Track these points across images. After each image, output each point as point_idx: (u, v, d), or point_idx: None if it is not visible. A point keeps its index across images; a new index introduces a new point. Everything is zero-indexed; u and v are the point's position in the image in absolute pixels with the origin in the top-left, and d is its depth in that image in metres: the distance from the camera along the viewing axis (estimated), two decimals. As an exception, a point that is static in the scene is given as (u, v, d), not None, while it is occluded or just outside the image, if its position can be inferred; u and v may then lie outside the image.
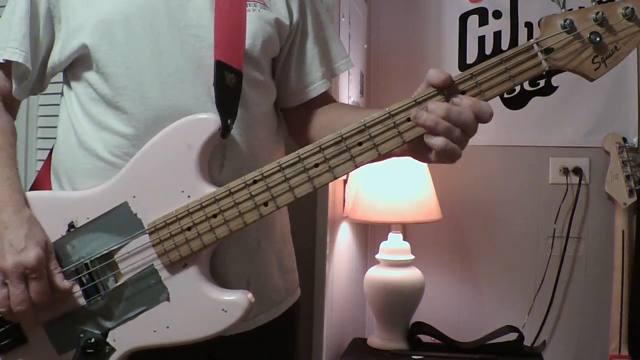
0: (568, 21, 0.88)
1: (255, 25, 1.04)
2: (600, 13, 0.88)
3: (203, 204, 0.94)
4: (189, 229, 0.94)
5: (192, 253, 0.94)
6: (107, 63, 1.00)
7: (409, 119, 0.89)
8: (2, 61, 1.05)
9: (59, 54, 1.04)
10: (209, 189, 0.95)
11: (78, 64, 1.04)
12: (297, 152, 0.92)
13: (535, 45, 0.89)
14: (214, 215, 0.93)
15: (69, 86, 1.08)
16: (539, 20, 0.91)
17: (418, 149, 0.92)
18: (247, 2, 1.05)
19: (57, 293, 0.95)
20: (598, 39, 0.88)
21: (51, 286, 0.94)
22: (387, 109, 0.89)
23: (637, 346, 2.13)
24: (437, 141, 0.87)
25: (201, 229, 0.94)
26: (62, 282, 0.95)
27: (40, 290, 0.92)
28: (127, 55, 0.99)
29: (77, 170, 1.04)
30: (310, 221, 1.84)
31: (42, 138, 2.19)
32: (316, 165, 0.91)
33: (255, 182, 0.93)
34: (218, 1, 1.02)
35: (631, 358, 2.12)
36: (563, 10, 0.90)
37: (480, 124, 0.89)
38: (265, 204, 0.92)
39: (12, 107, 1.11)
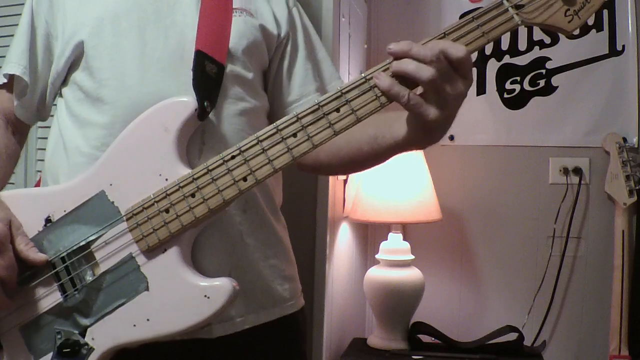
0: None
1: (240, 27, 1.07)
2: None
3: (180, 185, 0.92)
4: (167, 210, 0.91)
5: (171, 236, 0.91)
6: (93, 57, 1.03)
7: None
8: (5, 80, 1.10)
9: (56, 65, 1.08)
10: (186, 171, 0.93)
11: (69, 69, 1.08)
12: (274, 123, 0.91)
13: (504, 1, 0.88)
14: (192, 195, 0.91)
15: (60, 94, 1.11)
16: None
17: (410, 123, 0.91)
18: (234, 10, 1.08)
19: (28, 272, 0.94)
20: None
21: (26, 261, 0.93)
22: (362, 74, 0.89)
23: (637, 346, 2.13)
24: (422, 72, 0.83)
25: (179, 210, 0.91)
26: (37, 255, 0.93)
27: (4, 265, 0.90)
28: (112, 47, 1.02)
29: (61, 171, 1.05)
30: (310, 221, 1.84)
31: (43, 138, 2.19)
32: (294, 135, 0.90)
33: (233, 157, 0.91)
34: (204, 5, 1.05)
35: (631, 358, 2.12)
36: None
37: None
38: (244, 179, 0.90)
39: (21, 132, 1.15)
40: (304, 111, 0.90)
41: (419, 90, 0.87)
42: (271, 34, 1.12)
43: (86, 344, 0.92)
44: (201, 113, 0.97)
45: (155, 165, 0.93)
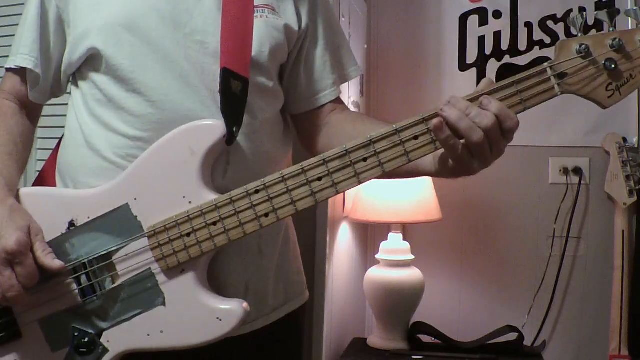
0: (584, 46, 0.86)
1: (262, 32, 1.04)
2: (617, 39, 0.86)
3: (203, 211, 0.93)
4: (188, 235, 0.93)
5: (190, 259, 0.94)
6: (113, 66, 1.00)
7: (415, 137, 0.88)
8: (14, 67, 1.08)
9: (69, 57, 1.06)
10: (210, 196, 0.94)
11: (85, 65, 1.05)
12: (300, 164, 0.91)
13: (548, 69, 0.86)
14: (214, 223, 0.93)
15: (76, 85, 1.09)
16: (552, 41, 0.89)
17: (439, 161, 0.92)
18: (255, 9, 1.04)
19: (50, 273, 0.94)
20: (613, 65, 0.85)
21: (42, 267, 0.93)
22: (394, 125, 0.88)
23: (637, 346, 2.13)
24: (473, 135, 0.84)
25: (200, 237, 0.93)
26: (53, 262, 0.93)
27: (26, 274, 0.91)
28: (131, 59, 0.99)
29: (81, 169, 1.04)
30: (310, 221, 1.84)
31: (42, 138, 2.19)
32: (319, 179, 0.90)
33: (257, 191, 0.91)
34: (225, 8, 1.01)
35: (631, 358, 2.13)
36: (580, 35, 0.87)
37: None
38: (266, 215, 0.91)
39: (33, 111, 1.14)
40: (331, 155, 0.90)
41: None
42: (293, 31, 1.08)
43: (101, 345, 0.96)
44: (229, 138, 0.97)
45: (179, 187, 0.95)
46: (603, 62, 0.86)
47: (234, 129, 0.98)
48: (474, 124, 0.84)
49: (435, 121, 0.85)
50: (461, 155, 0.87)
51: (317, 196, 0.91)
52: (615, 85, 0.86)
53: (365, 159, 0.89)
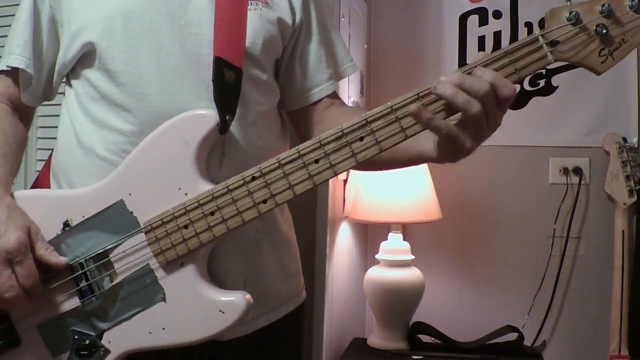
0: (574, 13, 0.86)
1: (256, 25, 1.04)
2: (606, 5, 0.86)
3: (200, 202, 0.92)
4: (185, 227, 0.92)
5: (189, 252, 0.92)
6: (107, 60, 1.00)
7: None
8: (6, 68, 1.07)
9: (63, 57, 1.05)
10: (206, 186, 0.93)
11: (79, 63, 1.05)
12: (296, 147, 0.90)
13: (540, 37, 0.87)
14: (212, 213, 0.91)
15: (70, 84, 1.08)
16: (545, 13, 0.89)
17: (438, 145, 0.92)
18: (249, 2, 1.04)
19: (47, 276, 0.94)
20: (605, 31, 0.86)
21: (47, 265, 0.93)
22: (389, 103, 0.88)
23: (637, 346, 2.13)
24: (471, 107, 0.83)
25: (198, 227, 0.92)
26: (58, 259, 0.93)
27: (26, 274, 0.91)
28: (126, 51, 0.99)
29: (75, 170, 1.03)
30: (310, 221, 1.84)
31: (42, 138, 2.19)
32: (316, 161, 0.89)
33: (254, 178, 0.91)
34: (218, 0, 1.02)
35: (631, 358, 2.12)
36: (569, 2, 0.88)
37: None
38: (264, 202, 0.90)
39: (26, 114, 1.13)
40: (327, 137, 0.89)
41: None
42: (287, 25, 1.08)
43: (102, 346, 0.95)
44: (223, 127, 0.96)
45: (174, 179, 0.94)
46: (594, 28, 0.86)
47: (227, 118, 0.97)
48: (470, 98, 0.84)
49: (412, 107, 0.85)
50: (449, 132, 0.86)
51: (314, 179, 0.90)
52: (608, 51, 0.87)
53: (361, 138, 0.89)
